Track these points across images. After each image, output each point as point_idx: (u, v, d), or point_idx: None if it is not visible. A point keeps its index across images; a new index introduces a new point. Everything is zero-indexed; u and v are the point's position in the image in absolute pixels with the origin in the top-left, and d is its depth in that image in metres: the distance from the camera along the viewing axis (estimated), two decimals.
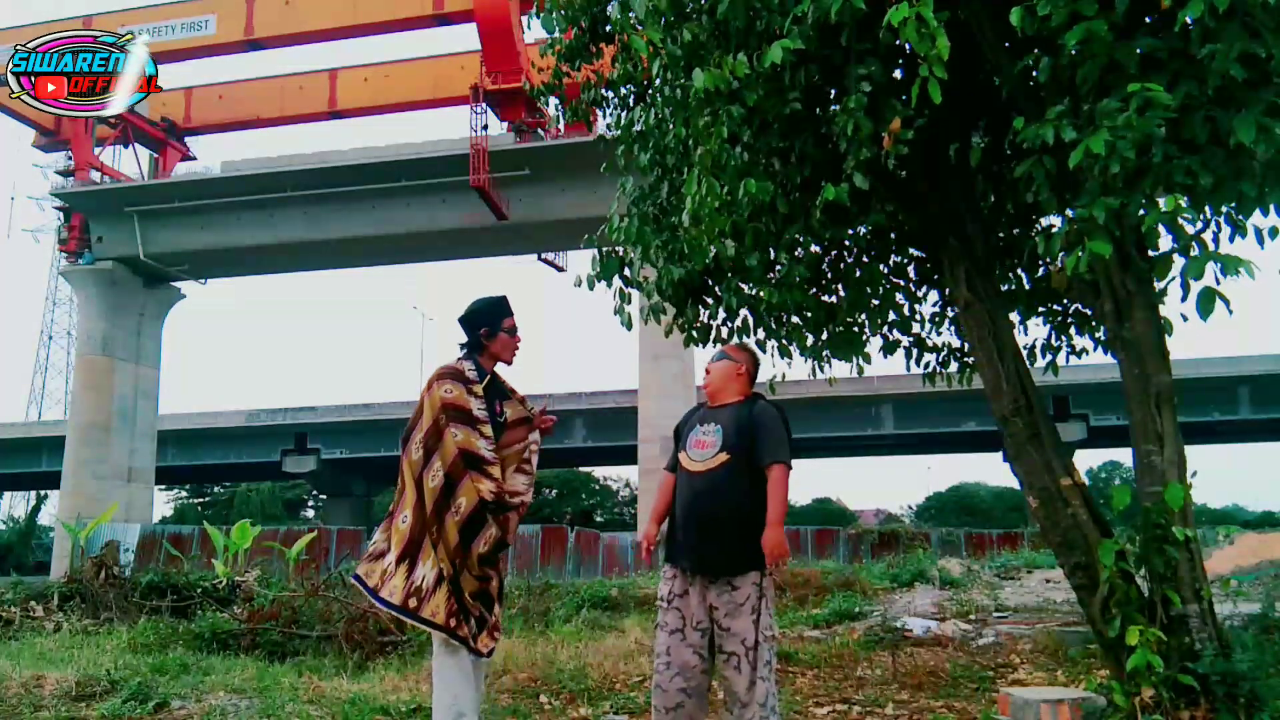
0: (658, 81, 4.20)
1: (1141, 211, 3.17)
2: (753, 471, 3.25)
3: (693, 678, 3.25)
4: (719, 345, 5.05)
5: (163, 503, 57.37)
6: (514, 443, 3.47)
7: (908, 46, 3.30)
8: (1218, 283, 3.09)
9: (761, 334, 4.98)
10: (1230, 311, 3.15)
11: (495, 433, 3.33)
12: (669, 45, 3.82)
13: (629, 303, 4.96)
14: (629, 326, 4.95)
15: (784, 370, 5.21)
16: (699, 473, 3.32)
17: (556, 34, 4.81)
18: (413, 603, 3.14)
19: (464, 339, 3.45)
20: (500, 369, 3.50)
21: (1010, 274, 5.02)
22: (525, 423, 3.51)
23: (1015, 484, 4.48)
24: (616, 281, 4.95)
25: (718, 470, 3.28)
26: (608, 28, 4.72)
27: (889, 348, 5.30)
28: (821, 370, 5.12)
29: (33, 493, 56.24)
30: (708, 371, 3.56)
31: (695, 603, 3.28)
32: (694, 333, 4.96)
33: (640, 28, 3.84)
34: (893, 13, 3.02)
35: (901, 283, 5.19)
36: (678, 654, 3.27)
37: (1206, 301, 3.09)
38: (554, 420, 3.57)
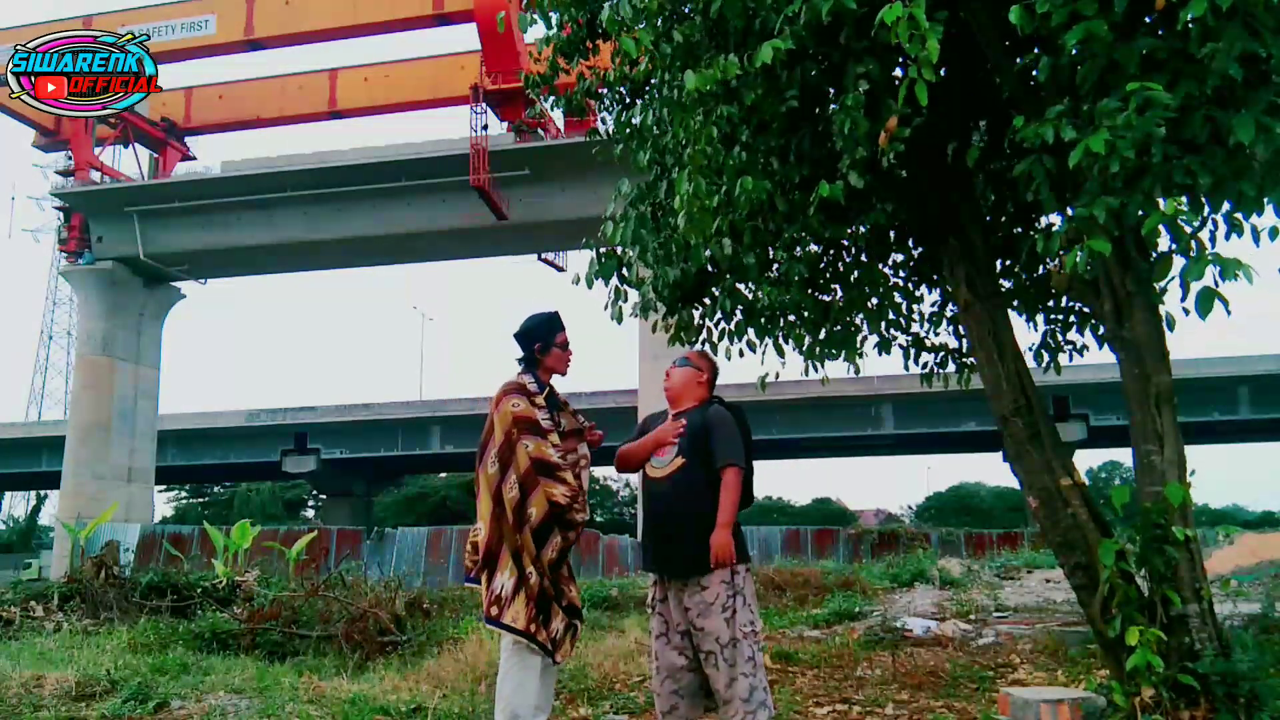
0: (654, 81, 4.20)
1: (1141, 212, 3.16)
2: (710, 474, 3.32)
3: (681, 679, 3.33)
4: (711, 345, 5.07)
5: (163, 503, 57.46)
6: (566, 453, 3.57)
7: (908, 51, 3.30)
8: (1217, 285, 3.09)
9: (753, 333, 4.97)
10: (1228, 312, 3.15)
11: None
12: (662, 45, 3.82)
13: (623, 300, 4.97)
14: (619, 320, 4.97)
15: (778, 369, 5.21)
16: (659, 479, 3.43)
17: (551, 30, 4.80)
18: (494, 610, 3.29)
19: (520, 354, 3.60)
20: (554, 380, 3.63)
21: (1010, 274, 5.01)
22: (577, 434, 3.63)
23: (1015, 484, 4.48)
24: (613, 280, 4.96)
25: (676, 475, 3.38)
26: (603, 24, 4.71)
27: (885, 346, 5.29)
28: (817, 369, 5.12)
29: (33, 493, 56.33)
30: (668, 376, 3.65)
31: (673, 606, 3.36)
32: (683, 333, 4.97)
33: (630, 28, 3.83)
34: (886, 11, 3.01)
35: (900, 282, 5.18)
36: (664, 657, 3.36)
37: (1205, 301, 3.09)
38: (602, 436, 3.69)
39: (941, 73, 3.26)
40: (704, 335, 5.04)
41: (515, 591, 3.26)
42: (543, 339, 3.56)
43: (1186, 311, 3.32)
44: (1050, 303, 5.01)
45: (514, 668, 3.28)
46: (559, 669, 3.61)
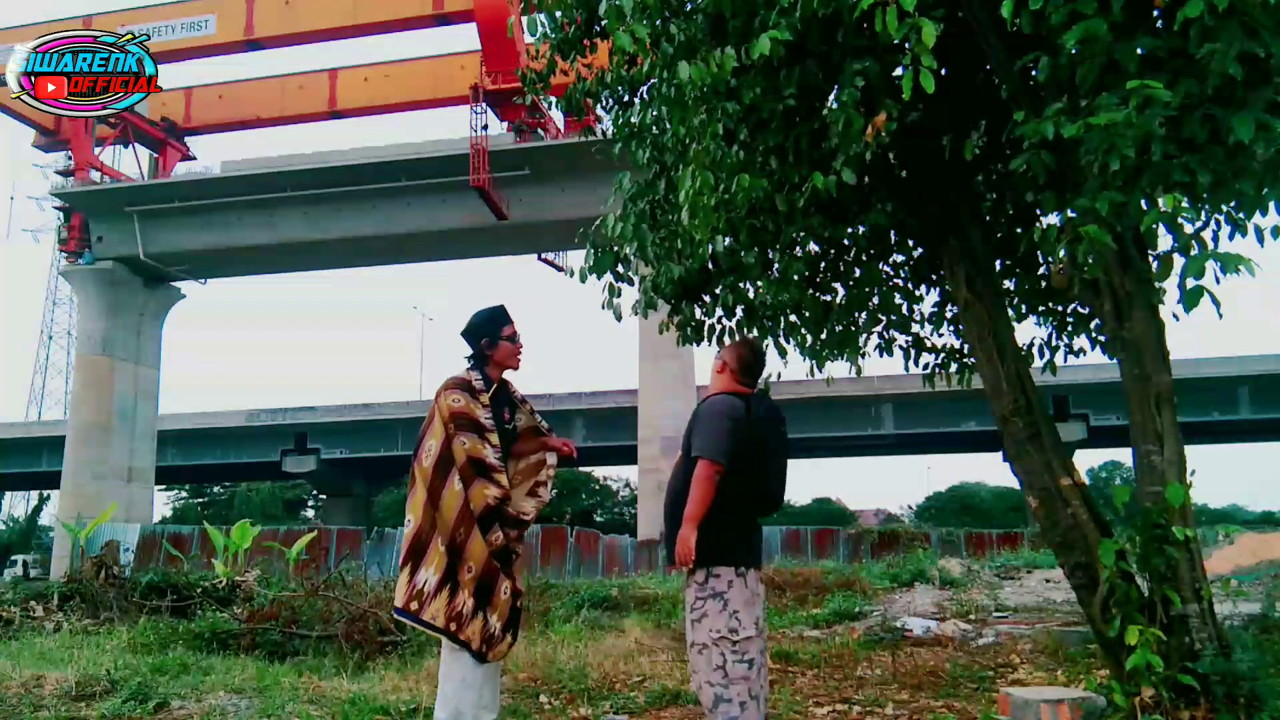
0: (654, 80, 4.20)
1: (1143, 208, 3.16)
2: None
3: None
4: (714, 343, 5.07)
5: (163, 503, 57.47)
6: (528, 452, 3.59)
7: (907, 44, 3.29)
8: (1218, 282, 3.09)
9: (755, 333, 4.98)
10: (1220, 314, 3.15)
11: (507, 440, 3.45)
12: (662, 44, 3.81)
13: (618, 296, 4.97)
14: (619, 318, 4.98)
15: (780, 369, 5.21)
16: (670, 473, 3.43)
17: (540, 34, 4.80)
18: (414, 605, 3.23)
19: (469, 351, 3.56)
20: (510, 375, 3.60)
21: (1010, 274, 5.01)
22: (536, 432, 3.60)
23: (1015, 484, 4.48)
24: (608, 276, 4.96)
25: (675, 468, 3.36)
26: (602, 22, 4.71)
27: (887, 347, 5.29)
28: (819, 369, 5.12)
29: (33, 493, 56.33)
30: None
31: None
32: (687, 331, 4.96)
33: (628, 24, 3.82)
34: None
35: (900, 282, 5.18)
36: None
37: (1192, 297, 3.09)
38: (575, 453, 3.68)
39: (941, 72, 3.24)
40: (705, 332, 5.05)
41: (439, 588, 3.20)
42: (488, 334, 3.50)
43: (1188, 309, 3.32)
44: (1050, 302, 5.02)
45: (456, 664, 3.22)
46: (499, 666, 3.52)
